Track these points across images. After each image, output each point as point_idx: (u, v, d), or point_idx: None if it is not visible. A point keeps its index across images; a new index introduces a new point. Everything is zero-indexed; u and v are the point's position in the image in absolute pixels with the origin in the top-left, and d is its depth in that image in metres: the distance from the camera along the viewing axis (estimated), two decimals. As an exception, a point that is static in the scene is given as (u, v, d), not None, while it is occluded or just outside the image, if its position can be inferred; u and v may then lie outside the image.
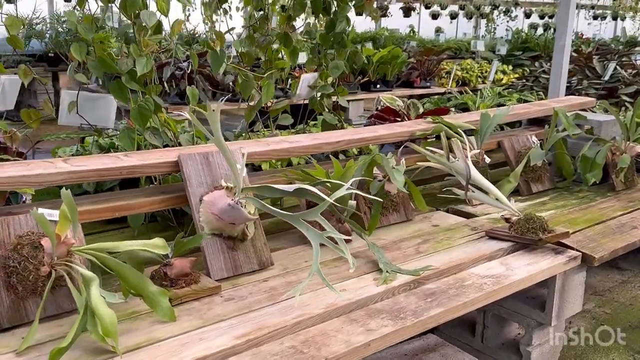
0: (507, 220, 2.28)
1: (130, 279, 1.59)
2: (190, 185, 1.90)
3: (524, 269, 2.04)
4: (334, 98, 3.00)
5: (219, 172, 1.97)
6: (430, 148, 2.47)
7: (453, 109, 3.63)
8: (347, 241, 2.22)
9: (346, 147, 2.39)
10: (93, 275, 1.51)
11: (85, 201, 1.85)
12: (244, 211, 1.83)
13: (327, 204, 1.65)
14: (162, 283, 1.76)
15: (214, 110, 1.71)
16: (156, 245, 1.61)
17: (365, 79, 5.27)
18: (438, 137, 2.93)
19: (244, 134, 2.87)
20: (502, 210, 2.34)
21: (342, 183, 1.77)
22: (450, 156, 2.36)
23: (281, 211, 1.73)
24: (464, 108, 4.13)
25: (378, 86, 6.33)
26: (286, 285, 1.84)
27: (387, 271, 1.93)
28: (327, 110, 2.91)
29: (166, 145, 2.30)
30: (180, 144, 2.32)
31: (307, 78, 2.94)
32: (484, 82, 7.17)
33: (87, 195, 1.94)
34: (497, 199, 2.30)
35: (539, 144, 2.99)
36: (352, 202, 2.09)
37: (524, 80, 5.46)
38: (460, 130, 2.55)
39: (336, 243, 1.67)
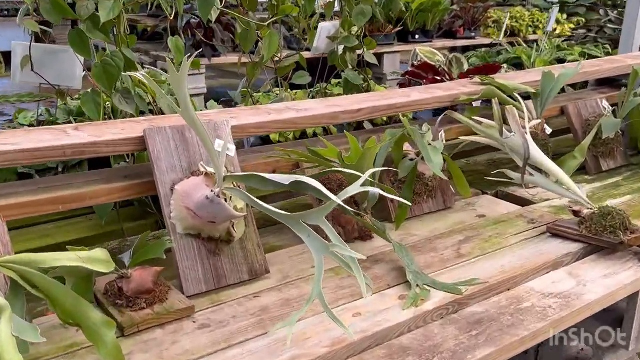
0: (575, 213, 1.79)
1: (64, 303, 1.18)
2: (159, 169, 1.47)
3: (601, 283, 1.57)
4: (359, 52, 2.51)
5: (198, 152, 1.53)
6: (477, 118, 1.98)
7: (505, 66, 3.10)
8: (366, 238, 1.77)
9: (369, 116, 1.92)
10: (3, 302, 1.10)
11: (19, 190, 1.44)
12: (227, 207, 1.39)
13: (333, 205, 1.20)
14: (115, 302, 1.35)
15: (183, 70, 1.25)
16: (95, 260, 1.19)
17: (399, 28, 4.70)
18: (487, 102, 2.43)
19: (248, 96, 2.41)
20: (567, 197, 1.86)
21: (358, 174, 1.32)
22: (504, 129, 1.87)
23: (274, 209, 1.28)
24: (516, 64, 3.58)
25: (417, 37, 5.74)
26: (283, 305, 1.42)
27: (417, 285, 1.48)
28: (350, 67, 2.42)
29: (142, 114, 1.87)
30: (162, 113, 1.88)
31: (326, 27, 2.45)
32: (535, 33, 6.50)
33: (24, 182, 1.53)
34: (565, 188, 1.81)
35: (611, 111, 2.47)
36: (374, 191, 1.64)
37: (586, 31, 4.83)
38: (517, 94, 2.04)
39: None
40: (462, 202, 2.06)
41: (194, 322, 1.34)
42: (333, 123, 1.90)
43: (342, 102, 1.93)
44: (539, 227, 1.86)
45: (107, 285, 1.38)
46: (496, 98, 1.91)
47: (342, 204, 1.19)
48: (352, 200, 1.74)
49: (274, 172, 1.75)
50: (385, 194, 1.26)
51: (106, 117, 1.89)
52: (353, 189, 1.21)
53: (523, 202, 2.10)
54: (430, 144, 1.73)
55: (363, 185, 1.24)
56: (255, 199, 1.32)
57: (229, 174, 1.42)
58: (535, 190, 2.15)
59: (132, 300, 1.34)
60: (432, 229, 1.85)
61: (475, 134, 1.99)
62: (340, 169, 1.37)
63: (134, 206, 1.94)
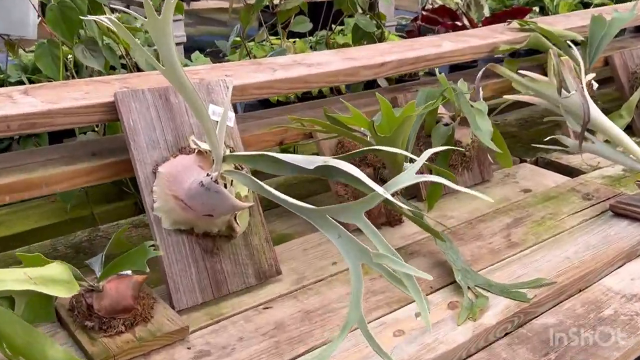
0: (646, 188, 1.50)
1: (11, 335, 0.86)
2: (136, 145, 1.13)
3: (690, 278, 1.28)
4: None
5: (187, 122, 1.19)
6: (527, 72, 1.65)
7: (536, 9, 2.75)
8: (395, 223, 1.47)
9: (394, 72, 1.58)
10: None
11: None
12: (228, 195, 1.07)
13: (379, 199, 0.89)
14: (84, 324, 1.03)
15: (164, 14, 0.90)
16: (52, 281, 0.87)
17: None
18: (526, 54, 2.13)
19: (242, 47, 2.05)
20: (636, 170, 1.55)
21: (403, 152, 1.00)
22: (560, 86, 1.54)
23: (294, 201, 0.96)
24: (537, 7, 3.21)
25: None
26: (302, 320, 1.11)
27: (468, 288, 1.18)
28: (360, 10, 2.06)
29: (113, 70, 1.51)
30: (138, 69, 1.52)
31: (332, -37, 2.08)
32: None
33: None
34: (634, 159, 1.50)
35: (661, 61, 2.15)
36: (409, 167, 1.32)
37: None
38: (570, 43, 1.71)
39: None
40: (499, 173, 1.75)
41: (188, 348, 1.04)
42: (352, 81, 1.57)
43: (359, 54, 1.58)
44: (597, 204, 1.57)
45: (74, 299, 1.06)
46: (553, 51, 1.57)
47: (390, 197, 0.87)
48: (378, 177, 1.43)
49: (281, 144, 1.43)
50: (445, 182, 0.93)
51: (68, 74, 1.53)
52: (407, 178, 0.89)
53: (570, 171, 1.80)
54: (473, 107, 1.40)
55: (412, 172, 0.92)
56: (267, 187, 1.00)
57: (229, 153, 1.09)
58: (582, 158, 1.84)
59: (106, 321, 1.03)
60: (471, 209, 1.54)
61: (519, 93, 1.66)
62: (379, 147, 1.04)
63: (107, 185, 1.60)
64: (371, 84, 2.07)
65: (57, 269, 0.88)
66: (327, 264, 1.30)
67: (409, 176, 0.89)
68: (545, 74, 1.64)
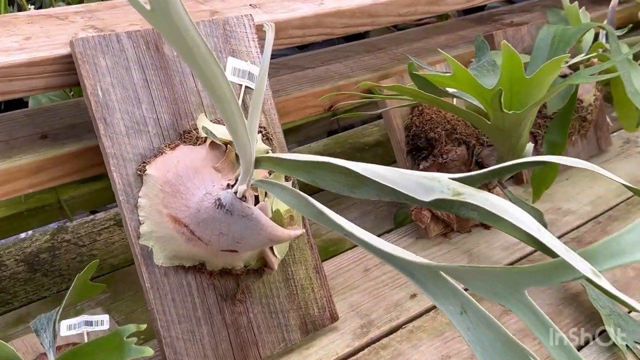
0: None
1: None
2: (109, 130, 0.69)
3: None
4: None
5: (194, 89, 0.75)
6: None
7: None
8: (490, 225, 1.03)
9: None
10: None
11: None
12: (263, 223, 0.64)
13: (573, 276, 0.46)
14: None
15: None
16: None
17: None
18: None
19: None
20: None
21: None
22: None
23: (388, 247, 0.54)
24: None
25: None
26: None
27: (627, 346, 0.78)
28: None
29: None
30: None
31: None
32: None
33: None
34: None
35: None
36: (530, 146, 0.89)
37: None
38: None
39: None
40: (618, 140, 1.31)
41: None
42: (436, 12, 1.08)
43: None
44: None
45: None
46: None
47: (604, 283, 0.45)
48: (474, 160, 0.99)
49: (331, 109, 0.98)
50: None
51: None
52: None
53: None
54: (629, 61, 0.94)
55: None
56: (332, 215, 0.56)
57: (265, 153, 0.65)
58: None
59: None
60: (592, 197, 1.11)
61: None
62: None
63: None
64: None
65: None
66: (403, 296, 0.88)
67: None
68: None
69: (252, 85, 0.77)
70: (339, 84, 0.96)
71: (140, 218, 0.69)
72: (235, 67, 0.76)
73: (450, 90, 0.84)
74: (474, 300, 0.52)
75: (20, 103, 1.15)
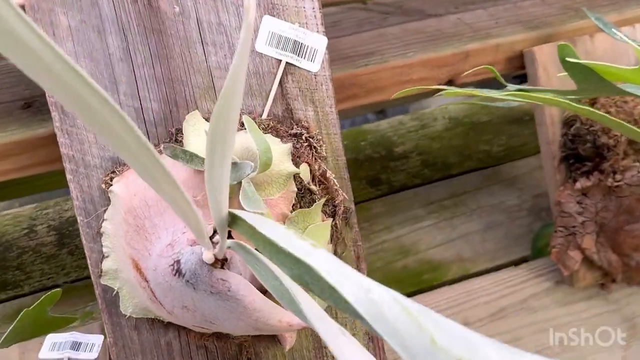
0: None
1: None
2: (66, 124, 0.48)
3: None
4: None
5: (204, 63, 0.50)
6: None
7: None
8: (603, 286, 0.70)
9: None
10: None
11: None
12: (248, 302, 0.40)
13: None
14: None
15: None
16: None
17: None
18: None
19: None
20: None
21: None
22: None
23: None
24: None
25: None
26: None
27: None
28: None
29: None
30: None
31: None
32: None
33: None
34: None
35: None
36: None
37: None
38: None
39: None
40: None
41: None
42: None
43: None
44: None
45: None
46: None
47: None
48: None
49: (452, 85, 0.68)
50: None
51: None
52: None
53: None
54: None
55: None
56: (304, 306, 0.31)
57: (289, 177, 0.41)
58: None
59: None
60: None
61: None
62: None
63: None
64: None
65: None
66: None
67: None
68: None
69: (298, 63, 0.51)
70: (467, 48, 0.65)
71: (104, 249, 0.49)
72: (272, 32, 0.50)
73: (629, 88, 0.50)
74: None
75: None
